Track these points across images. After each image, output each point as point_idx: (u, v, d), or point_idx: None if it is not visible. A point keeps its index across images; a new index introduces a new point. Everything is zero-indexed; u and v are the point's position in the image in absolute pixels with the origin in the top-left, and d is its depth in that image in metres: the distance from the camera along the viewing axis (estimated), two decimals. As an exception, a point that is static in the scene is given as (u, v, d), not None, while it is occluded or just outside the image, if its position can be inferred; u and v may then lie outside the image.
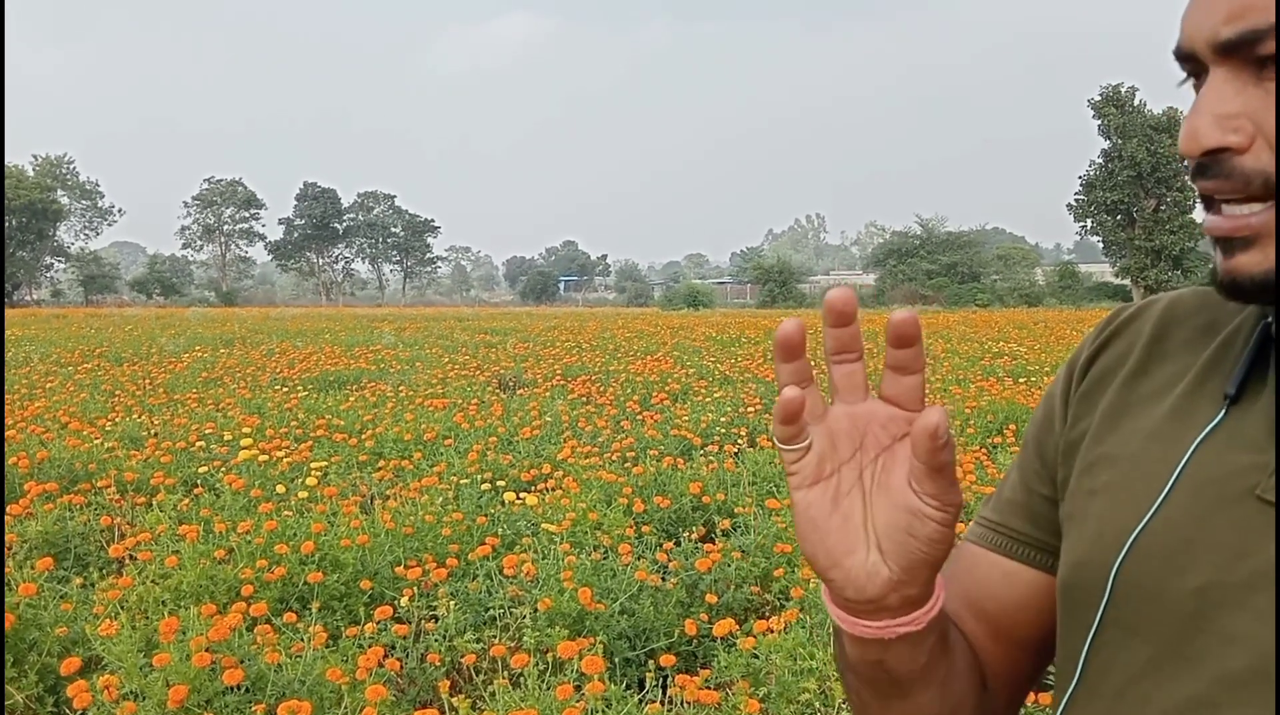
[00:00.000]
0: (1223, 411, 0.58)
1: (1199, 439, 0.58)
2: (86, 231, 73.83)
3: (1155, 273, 43.93)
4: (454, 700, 2.15)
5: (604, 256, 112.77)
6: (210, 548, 3.60)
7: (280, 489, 4.62)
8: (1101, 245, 48.70)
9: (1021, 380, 9.37)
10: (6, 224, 61.30)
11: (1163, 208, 44.41)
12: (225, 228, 79.78)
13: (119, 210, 76.07)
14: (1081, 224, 48.36)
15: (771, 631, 2.87)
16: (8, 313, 34.02)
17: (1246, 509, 0.55)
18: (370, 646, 2.72)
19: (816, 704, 2.58)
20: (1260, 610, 0.53)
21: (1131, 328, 0.68)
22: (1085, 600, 0.61)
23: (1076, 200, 46.88)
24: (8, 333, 17.83)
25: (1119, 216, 45.56)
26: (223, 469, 5.22)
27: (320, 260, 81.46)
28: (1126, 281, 46.71)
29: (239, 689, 2.49)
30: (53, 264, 69.44)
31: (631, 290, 72.30)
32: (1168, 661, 0.56)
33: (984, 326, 19.95)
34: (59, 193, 68.19)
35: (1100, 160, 45.80)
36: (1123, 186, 44.49)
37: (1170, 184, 43.81)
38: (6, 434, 5.87)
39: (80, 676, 2.48)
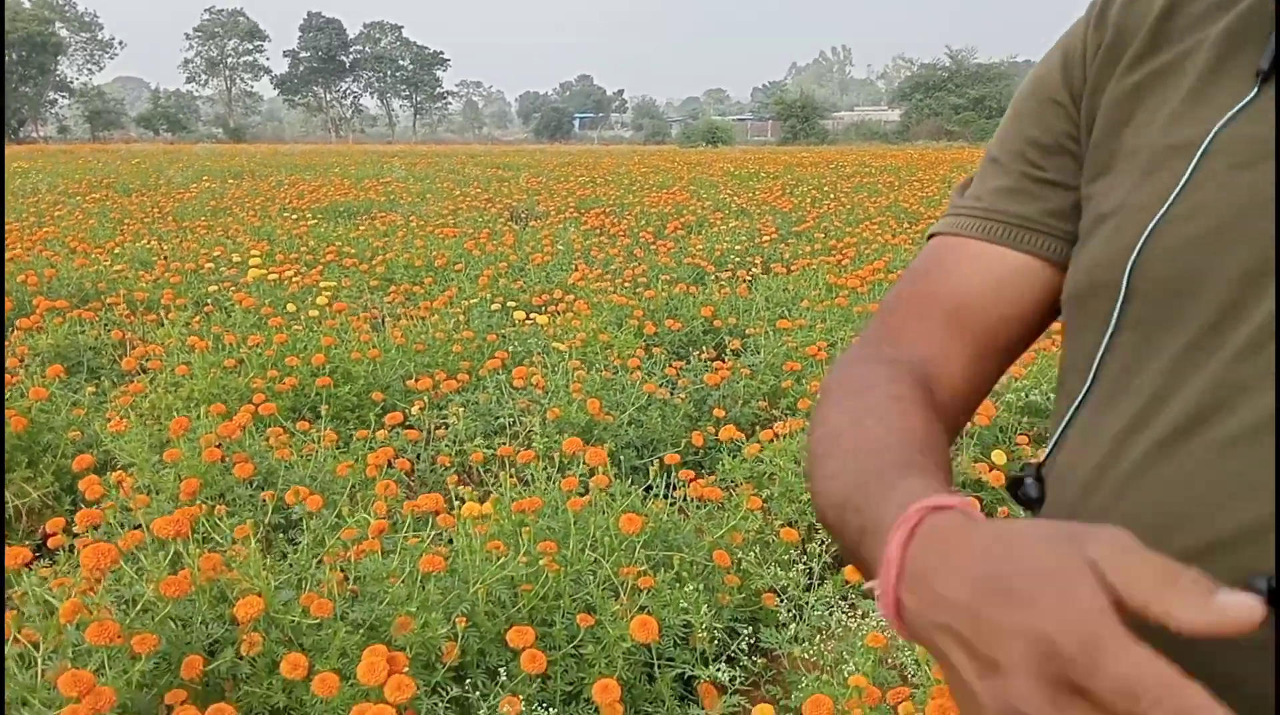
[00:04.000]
0: (1255, 89, 0.52)
1: (1227, 117, 0.52)
2: (89, 65, 72.21)
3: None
4: (461, 490, 2.17)
5: (620, 92, 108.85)
6: (221, 358, 3.61)
7: (291, 307, 4.59)
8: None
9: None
10: (7, 57, 59.93)
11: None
12: (229, 61, 77.37)
13: (119, 42, 74.04)
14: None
15: (778, 438, 2.86)
16: (13, 148, 33.49)
17: None
18: (380, 448, 2.74)
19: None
20: None
21: (1116, 7, 0.61)
22: (1101, 300, 0.56)
23: None
24: (13, 165, 17.56)
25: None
26: (232, 288, 5.20)
27: (327, 95, 79.14)
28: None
29: (250, 484, 2.53)
30: (56, 99, 68.13)
31: (649, 127, 70.02)
32: (1198, 351, 0.51)
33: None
34: (57, 24, 66.08)
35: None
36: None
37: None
38: (12, 254, 5.83)
39: (93, 474, 2.52)
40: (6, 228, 7.78)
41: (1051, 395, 3.12)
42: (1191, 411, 0.50)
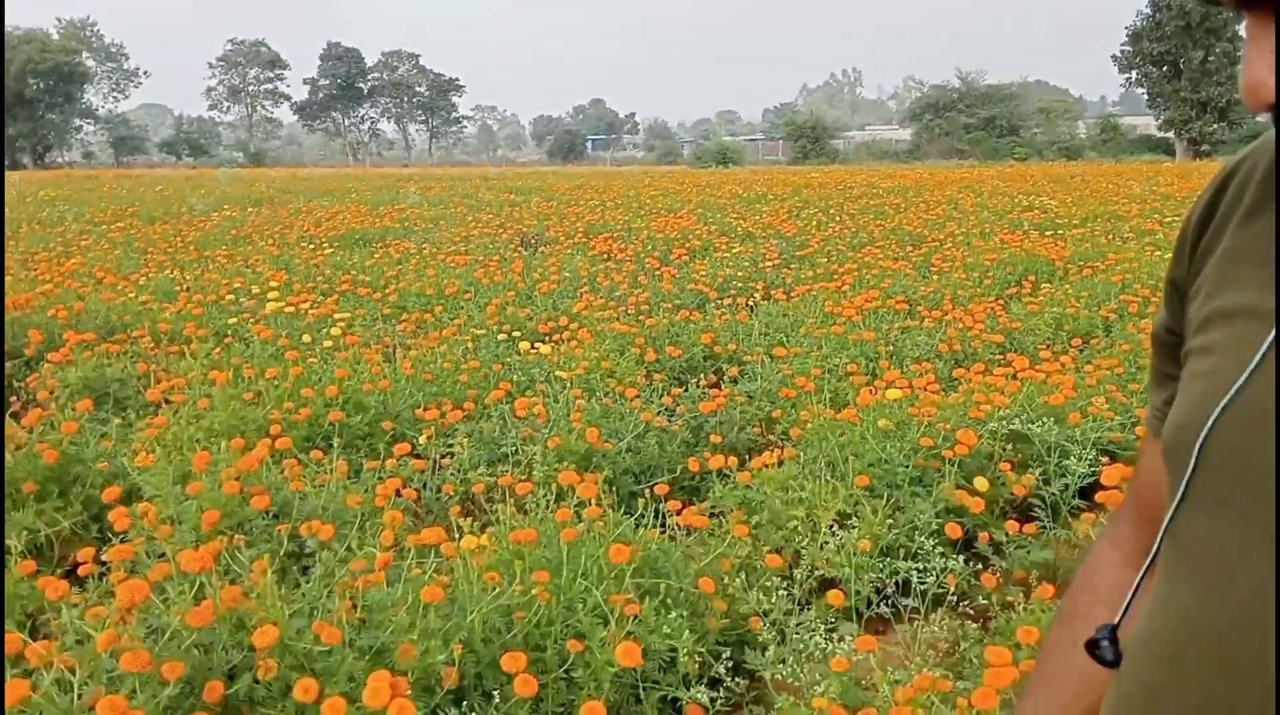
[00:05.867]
0: None
1: None
2: (114, 94, 73.82)
3: (1200, 125, 42.42)
4: (462, 522, 2.32)
5: (633, 114, 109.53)
6: (240, 391, 3.79)
7: (306, 338, 4.78)
8: (1146, 98, 46.72)
9: (1049, 233, 9.20)
10: (35, 87, 61.34)
11: (1210, 58, 42.25)
12: (250, 89, 78.80)
13: (144, 72, 75.79)
14: (1126, 76, 46.54)
15: (767, 466, 3.00)
16: (40, 175, 34.16)
17: None
18: (388, 478, 2.90)
19: (803, 530, 2.73)
20: None
21: (1245, 166, 0.63)
22: (1180, 465, 0.57)
23: (1122, 51, 45.04)
24: (40, 193, 17.99)
25: (1165, 68, 43.76)
26: (251, 320, 5.40)
27: (346, 120, 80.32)
28: (1170, 134, 45.11)
29: (267, 515, 2.69)
30: (81, 126, 69.54)
31: (661, 148, 70.55)
32: (1253, 536, 0.52)
33: (1018, 180, 19.37)
34: (84, 55, 67.66)
35: (1148, 10, 43.69)
36: (1170, 37, 42.64)
37: (1220, 34, 41.45)
38: (42, 289, 6.06)
39: (120, 505, 2.69)
40: (35, 258, 8.05)
41: (1032, 424, 3.25)
42: (1247, 600, 0.52)
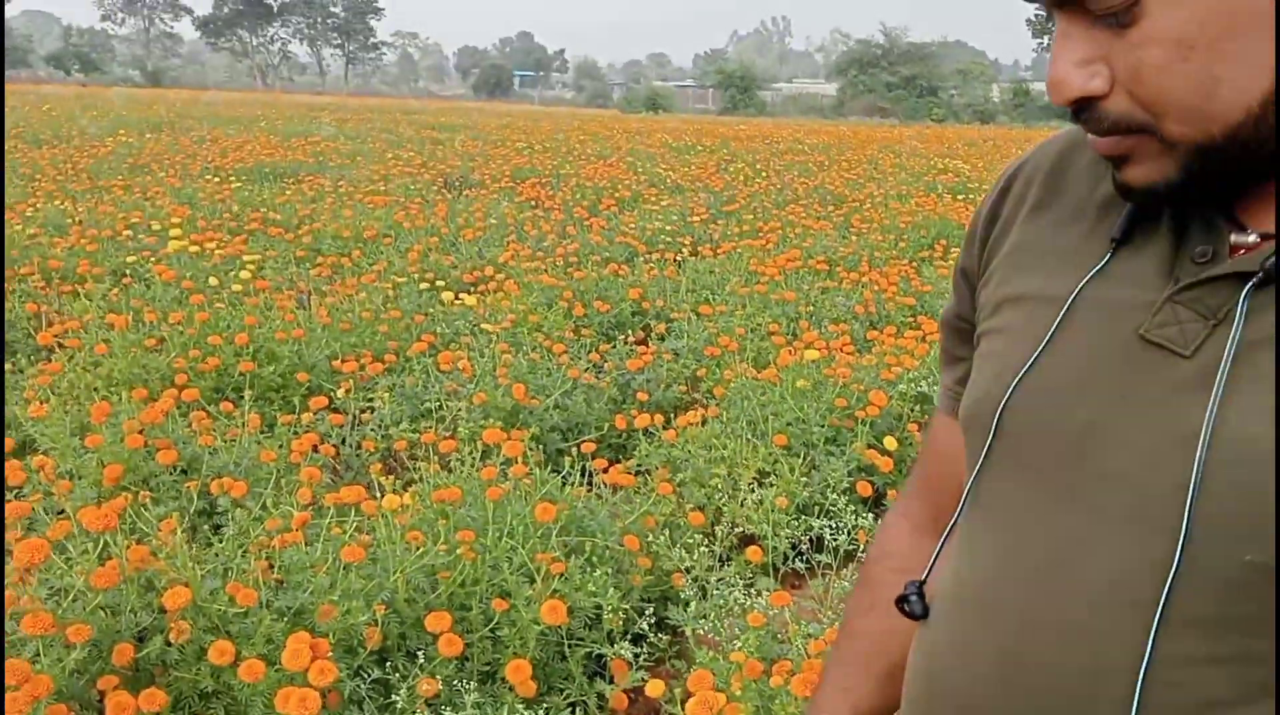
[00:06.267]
0: (1109, 254, 0.60)
1: (1084, 279, 0.60)
2: (-9, -3, 67.72)
3: (1104, 93, 43.91)
4: (383, 480, 2.27)
5: (562, 51, 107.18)
6: (141, 337, 3.60)
7: (213, 281, 4.56)
8: (1056, 64, 47.95)
9: (961, 197, 9.44)
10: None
11: (1121, 24, 43.50)
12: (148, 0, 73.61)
13: (26, -27, 69.62)
14: (1039, 41, 47.34)
15: (692, 425, 3.03)
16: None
17: (1130, 348, 0.56)
18: (305, 434, 2.81)
19: (724, 488, 2.78)
20: (1142, 450, 0.54)
21: (1029, 165, 0.69)
22: (979, 435, 0.64)
23: (1036, 16, 45.46)
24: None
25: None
26: (152, 259, 5.12)
27: (254, 40, 76.04)
28: (1079, 99, 46.56)
29: (174, 470, 2.58)
30: (-45, 33, 63.94)
31: (590, 89, 69.34)
32: (1050, 496, 0.58)
33: (935, 142, 19.76)
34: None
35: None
36: (1079, 3, 43.65)
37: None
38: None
39: (13, 458, 2.54)
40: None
41: (937, 386, 3.35)
42: (1049, 549, 0.58)
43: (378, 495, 2.28)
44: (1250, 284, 0.53)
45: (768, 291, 4.76)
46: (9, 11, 73.91)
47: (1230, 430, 0.51)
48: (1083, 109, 0.55)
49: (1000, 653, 0.60)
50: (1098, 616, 0.55)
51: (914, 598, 0.70)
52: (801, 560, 2.65)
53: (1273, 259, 0.52)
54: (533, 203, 8.34)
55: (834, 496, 2.71)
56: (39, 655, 1.63)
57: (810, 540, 2.73)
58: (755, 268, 5.29)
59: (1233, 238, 0.56)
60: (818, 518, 2.73)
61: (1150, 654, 0.53)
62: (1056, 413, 0.58)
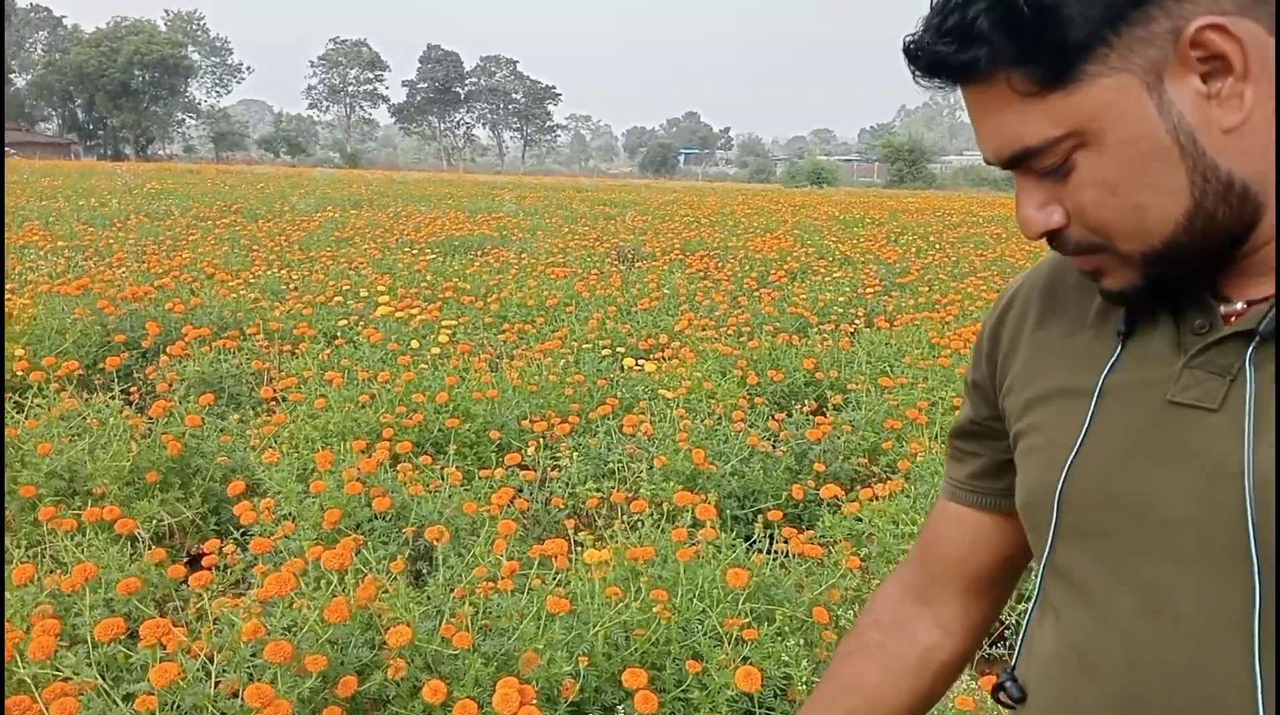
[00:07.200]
0: (1119, 347, 0.69)
1: (1105, 370, 0.68)
2: (217, 88, 76.80)
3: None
4: (579, 535, 2.34)
5: (726, 129, 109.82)
6: (354, 393, 3.91)
7: (415, 344, 4.91)
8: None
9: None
10: (141, 78, 64.02)
11: None
12: (350, 89, 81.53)
13: (247, 68, 78.89)
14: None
15: (877, 499, 2.95)
16: (145, 166, 35.92)
17: (1164, 414, 0.64)
18: (500, 487, 2.95)
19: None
20: (1197, 493, 0.61)
21: (1024, 288, 0.79)
22: (1043, 518, 0.70)
23: None
24: (148, 185, 18.94)
25: None
26: (360, 323, 5.57)
27: (442, 124, 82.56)
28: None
29: (385, 516, 2.76)
30: (184, 119, 72.55)
31: (754, 165, 70.43)
32: (1126, 553, 0.65)
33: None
34: (189, 48, 70.60)
35: None
36: None
37: None
38: (159, 282, 6.36)
39: (243, 499, 2.80)
40: (146, 251, 8.47)
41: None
42: (1137, 601, 0.64)
43: (573, 550, 2.35)
44: (1253, 345, 0.61)
45: (951, 365, 4.60)
46: (229, 100, 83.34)
47: (1261, 465, 0.59)
48: (1052, 239, 0.67)
49: (1114, 704, 0.64)
50: (1202, 648, 0.60)
51: (1009, 684, 0.75)
52: (1003, 644, 2.50)
53: (1268, 321, 0.60)
54: (702, 273, 8.49)
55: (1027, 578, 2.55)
56: (275, 682, 1.77)
57: (1012, 622, 2.57)
58: (936, 340, 5.14)
59: (1222, 308, 0.65)
60: (1018, 602, 2.57)
61: (1260, 673, 0.58)
62: (1112, 482, 0.65)
